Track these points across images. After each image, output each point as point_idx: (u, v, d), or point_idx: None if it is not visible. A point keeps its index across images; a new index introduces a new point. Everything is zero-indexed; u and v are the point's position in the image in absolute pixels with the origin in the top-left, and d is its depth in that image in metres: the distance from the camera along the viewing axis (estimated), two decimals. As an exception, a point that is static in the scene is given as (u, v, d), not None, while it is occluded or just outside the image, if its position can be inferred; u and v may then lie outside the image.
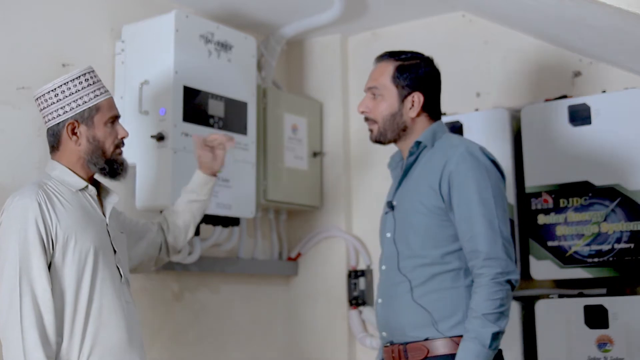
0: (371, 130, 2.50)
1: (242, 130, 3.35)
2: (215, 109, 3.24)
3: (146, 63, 3.13)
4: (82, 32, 3.15)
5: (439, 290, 2.30)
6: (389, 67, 2.47)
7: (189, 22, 3.16)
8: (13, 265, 2.18)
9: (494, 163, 2.37)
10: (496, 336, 2.21)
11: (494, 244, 2.25)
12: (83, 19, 3.16)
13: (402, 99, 2.45)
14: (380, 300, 2.43)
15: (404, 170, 2.46)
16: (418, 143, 2.43)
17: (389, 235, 2.44)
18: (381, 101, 2.46)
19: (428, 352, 2.26)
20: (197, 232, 3.26)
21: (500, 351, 2.31)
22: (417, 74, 2.45)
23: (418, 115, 2.45)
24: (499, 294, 2.22)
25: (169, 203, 3.02)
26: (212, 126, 3.21)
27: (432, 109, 2.49)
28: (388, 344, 2.38)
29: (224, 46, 3.30)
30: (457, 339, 2.24)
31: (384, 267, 2.45)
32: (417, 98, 2.44)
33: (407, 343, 2.30)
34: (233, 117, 3.31)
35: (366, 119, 2.51)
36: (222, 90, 3.27)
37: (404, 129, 2.46)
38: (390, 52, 2.52)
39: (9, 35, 2.89)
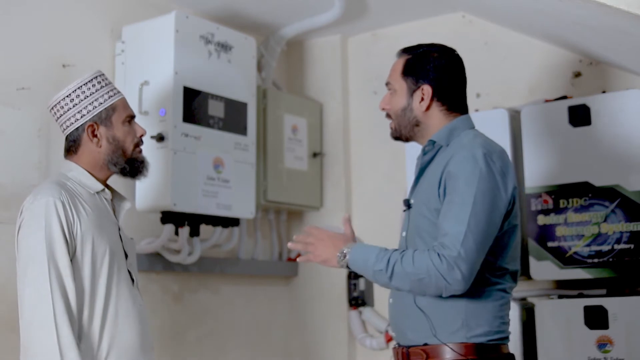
0: (391, 127, 2.45)
1: (242, 130, 3.35)
2: (215, 109, 3.24)
3: (146, 64, 3.14)
4: (83, 33, 3.15)
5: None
6: (401, 62, 2.42)
7: (189, 22, 3.16)
8: (41, 262, 2.15)
9: (499, 171, 2.22)
10: (377, 273, 2.16)
11: (458, 234, 2.12)
12: (83, 20, 3.16)
13: (411, 93, 2.38)
14: (391, 300, 2.40)
15: (419, 170, 2.39)
16: (432, 142, 2.36)
17: (404, 234, 2.39)
18: (394, 96, 2.41)
19: (427, 357, 2.24)
20: (197, 233, 3.27)
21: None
22: (424, 66, 2.37)
23: (428, 108, 2.37)
24: (424, 266, 2.10)
25: (169, 204, 3.02)
26: (212, 127, 3.21)
27: (449, 102, 2.38)
28: (397, 345, 2.38)
29: (224, 47, 3.30)
30: (454, 346, 2.21)
31: None
32: (426, 90, 2.36)
33: (409, 347, 2.29)
34: (233, 118, 3.31)
35: (387, 116, 2.46)
36: (222, 90, 3.27)
37: (417, 124, 2.38)
38: (406, 47, 2.46)
39: (9, 35, 2.90)
